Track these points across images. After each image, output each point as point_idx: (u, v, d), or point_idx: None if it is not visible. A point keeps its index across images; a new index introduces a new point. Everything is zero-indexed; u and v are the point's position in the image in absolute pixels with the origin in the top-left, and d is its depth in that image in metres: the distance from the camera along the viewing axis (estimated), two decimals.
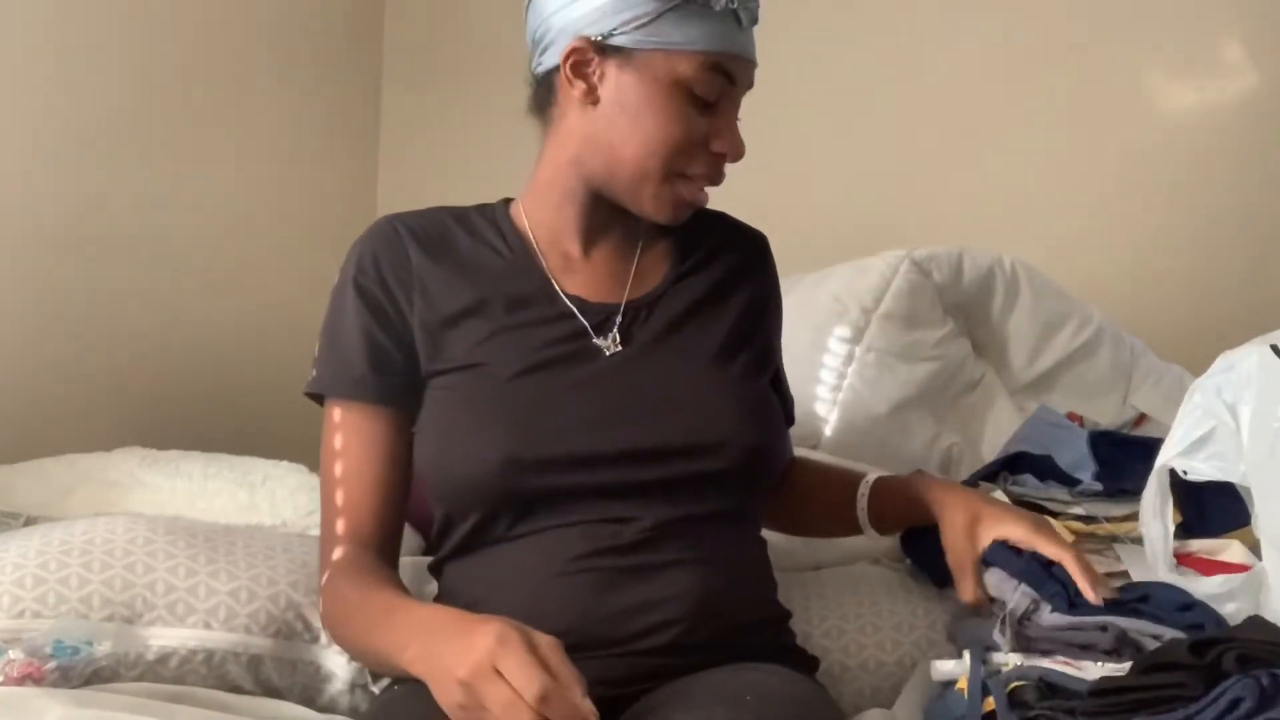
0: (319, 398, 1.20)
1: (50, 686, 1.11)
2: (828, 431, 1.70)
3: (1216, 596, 1.17)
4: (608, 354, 1.16)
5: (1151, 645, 1.10)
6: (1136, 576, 1.25)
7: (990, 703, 1.05)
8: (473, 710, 0.88)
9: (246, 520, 1.51)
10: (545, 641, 0.89)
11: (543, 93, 1.20)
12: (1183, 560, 1.30)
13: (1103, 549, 1.38)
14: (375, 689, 1.25)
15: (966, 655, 1.12)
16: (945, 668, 1.16)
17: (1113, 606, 1.13)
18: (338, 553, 1.15)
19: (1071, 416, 1.69)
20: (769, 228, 1.34)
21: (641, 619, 1.07)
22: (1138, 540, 1.27)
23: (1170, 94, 2.16)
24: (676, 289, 1.22)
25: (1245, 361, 1.18)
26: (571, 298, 1.18)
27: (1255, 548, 1.24)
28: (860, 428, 1.69)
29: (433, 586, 1.25)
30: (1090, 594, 1.11)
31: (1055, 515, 1.40)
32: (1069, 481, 1.44)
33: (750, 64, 1.15)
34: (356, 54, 2.75)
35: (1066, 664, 1.08)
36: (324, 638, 1.25)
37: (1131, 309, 2.04)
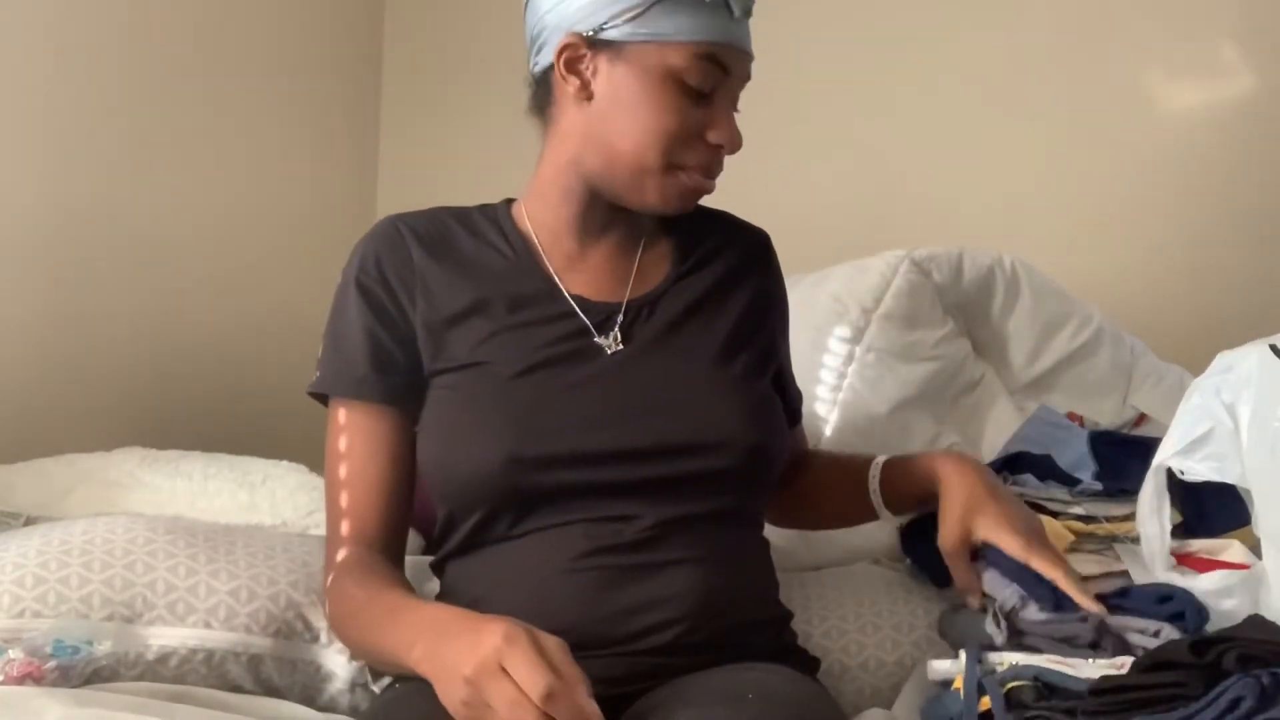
0: (323, 398, 1.20)
1: (50, 686, 1.11)
2: (828, 431, 1.69)
3: (1215, 593, 1.17)
4: (609, 353, 1.16)
5: (1134, 637, 1.11)
6: (1136, 577, 1.25)
7: (986, 702, 1.05)
8: (477, 708, 0.88)
9: (246, 520, 1.51)
10: (552, 642, 0.89)
11: (541, 93, 1.21)
12: (1182, 560, 1.30)
13: (1102, 549, 1.38)
14: (375, 688, 1.25)
15: (962, 655, 1.12)
16: (941, 667, 1.16)
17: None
18: (343, 553, 1.15)
19: (1071, 416, 1.69)
20: (769, 227, 1.34)
21: (643, 618, 1.07)
22: (1138, 540, 1.27)
23: (1170, 94, 2.16)
24: (678, 288, 1.22)
25: (1244, 362, 1.18)
26: (573, 296, 1.18)
27: (1255, 547, 1.24)
28: (860, 428, 1.69)
29: (434, 585, 1.25)
30: (1087, 603, 1.12)
31: (1055, 515, 1.40)
32: (1069, 481, 1.44)
33: (745, 54, 1.15)
34: (356, 55, 2.75)
35: (1060, 663, 1.08)
36: (324, 637, 1.26)
37: (1131, 309, 2.04)
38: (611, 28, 1.11)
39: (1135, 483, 1.26)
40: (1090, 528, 1.38)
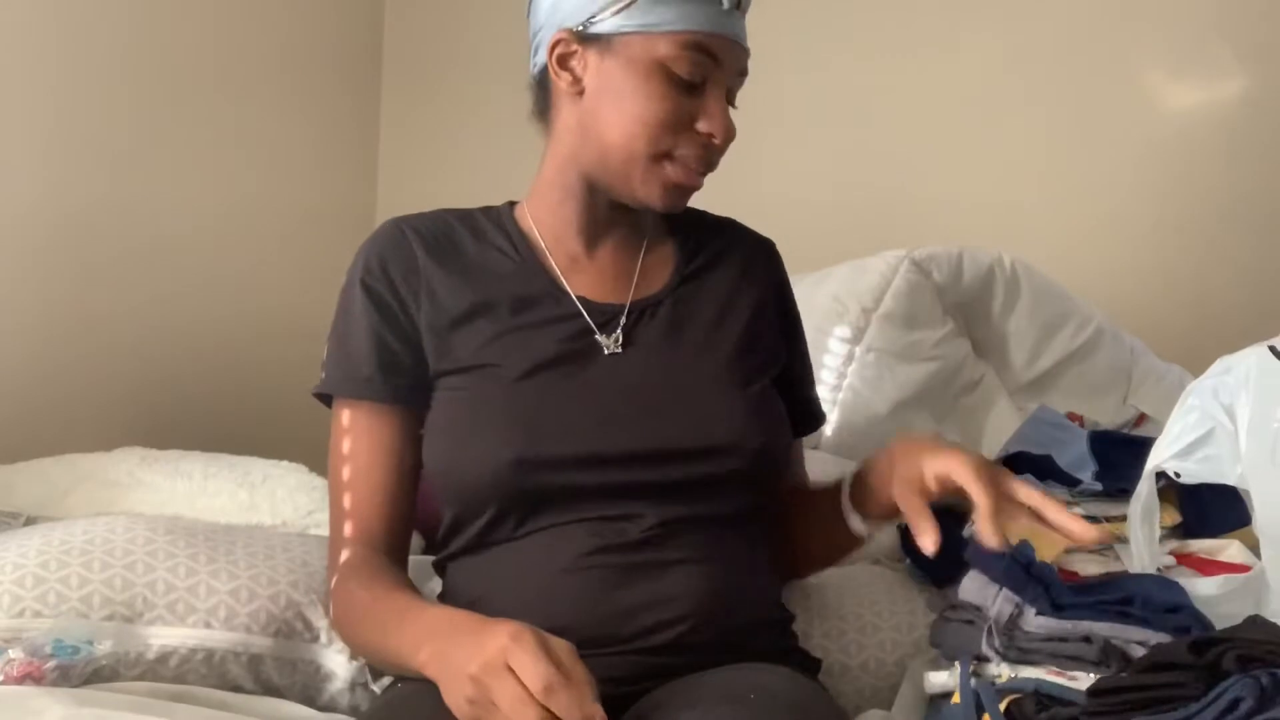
0: (327, 399, 1.20)
1: (50, 686, 1.11)
2: (828, 431, 1.70)
3: (1216, 597, 1.17)
4: (612, 354, 1.16)
5: (1139, 652, 1.10)
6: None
7: (987, 718, 1.05)
8: (481, 706, 0.88)
9: (246, 520, 1.51)
10: (560, 644, 0.89)
11: (540, 95, 1.21)
12: (1182, 560, 1.30)
13: (1102, 549, 1.38)
14: (376, 688, 1.25)
15: (957, 666, 1.12)
16: (938, 679, 1.15)
17: (1097, 609, 1.12)
18: (346, 554, 1.15)
19: (1071, 416, 1.69)
20: (769, 228, 1.34)
21: (645, 617, 1.08)
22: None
23: (1170, 94, 2.16)
24: (681, 291, 1.22)
25: (1243, 363, 1.19)
26: (577, 298, 1.18)
27: (1255, 548, 1.24)
28: (860, 428, 1.69)
29: (435, 584, 1.25)
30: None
31: None
32: (1069, 481, 1.44)
33: (735, 44, 1.14)
34: (356, 57, 2.75)
35: (1060, 674, 1.08)
36: (324, 637, 1.26)
37: (1131, 309, 2.04)
38: (599, 21, 1.11)
39: (1135, 483, 1.26)
40: None
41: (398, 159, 2.76)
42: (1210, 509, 1.33)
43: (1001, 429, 1.74)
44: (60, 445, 1.71)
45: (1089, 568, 1.32)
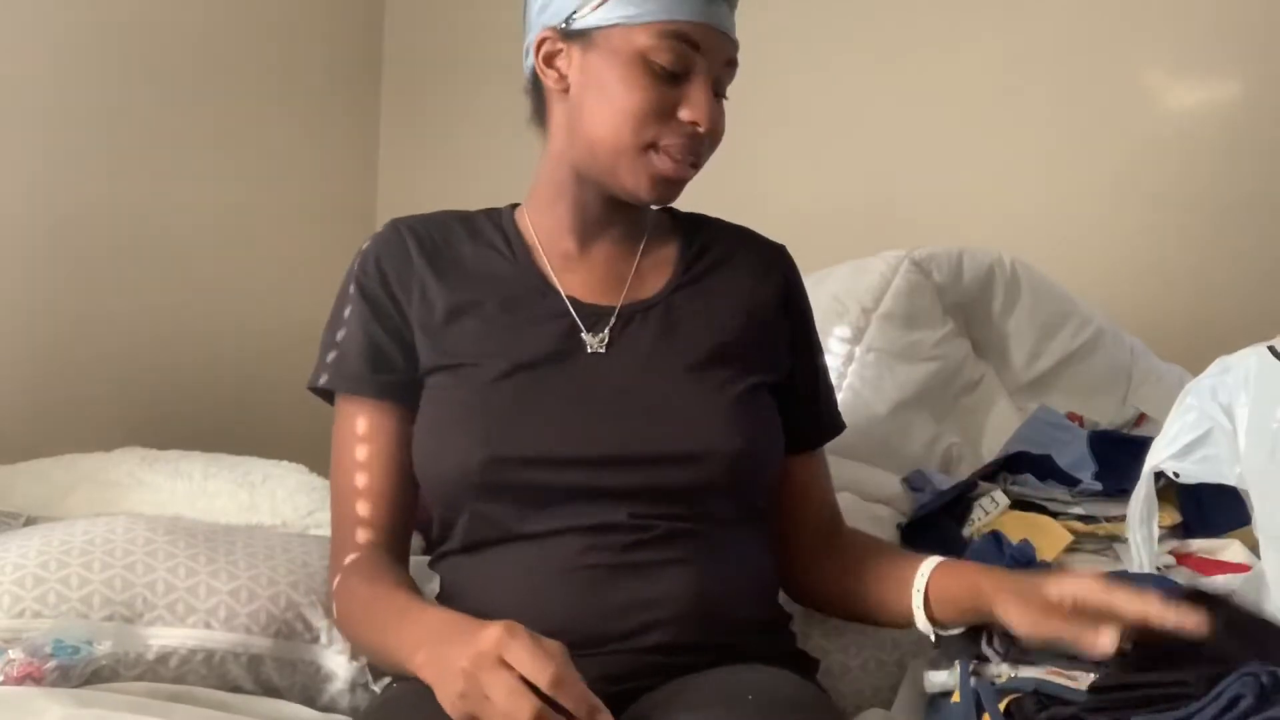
0: (328, 396, 1.21)
1: (50, 686, 1.11)
2: None
3: None
4: (596, 355, 1.16)
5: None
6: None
7: (987, 718, 1.05)
8: (473, 700, 0.88)
9: (246, 520, 1.51)
10: (552, 643, 0.90)
11: (535, 97, 1.22)
12: (1182, 560, 1.30)
13: (1102, 549, 1.38)
14: (376, 688, 1.25)
15: (957, 666, 1.12)
16: (938, 679, 1.15)
17: None
18: (348, 550, 1.16)
19: (1071, 416, 1.69)
20: (769, 228, 1.34)
21: (637, 616, 1.08)
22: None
23: (1170, 94, 2.16)
24: (678, 294, 1.21)
25: (1242, 363, 1.18)
26: (568, 297, 1.18)
27: (1255, 548, 1.24)
28: (860, 428, 1.68)
29: (435, 585, 1.25)
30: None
31: (1055, 515, 1.40)
32: (1069, 481, 1.44)
33: (718, 33, 1.13)
34: (356, 58, 2.75)
35: (1060, 674, 1.08)
36: (324, 637, 1.26)
37: (1131, 309, 2.04)
38: (581, 17, 1.12)
39: (1135, 483, 1.26)
40: (1090, 528, 1.38)
41: (398, 159, 2.76)
42: (1210, 509, 1.33)
43: (1001, 429, 1.74)
44: (60, 445, 1.71)
45: (1088, 567, 1.32)
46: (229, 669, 1.21)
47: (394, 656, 1.03)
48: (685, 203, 1.23)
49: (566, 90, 1.15)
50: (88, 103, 2.05)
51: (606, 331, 1.17)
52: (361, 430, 1.17)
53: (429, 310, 1.17)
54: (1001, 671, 1.10)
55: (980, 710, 1.07)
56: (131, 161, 2.13)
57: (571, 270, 1.21)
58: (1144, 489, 1.22)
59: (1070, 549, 1.36)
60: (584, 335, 1.16)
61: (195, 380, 2.21)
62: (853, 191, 2.33)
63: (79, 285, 2.03)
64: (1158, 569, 1.25)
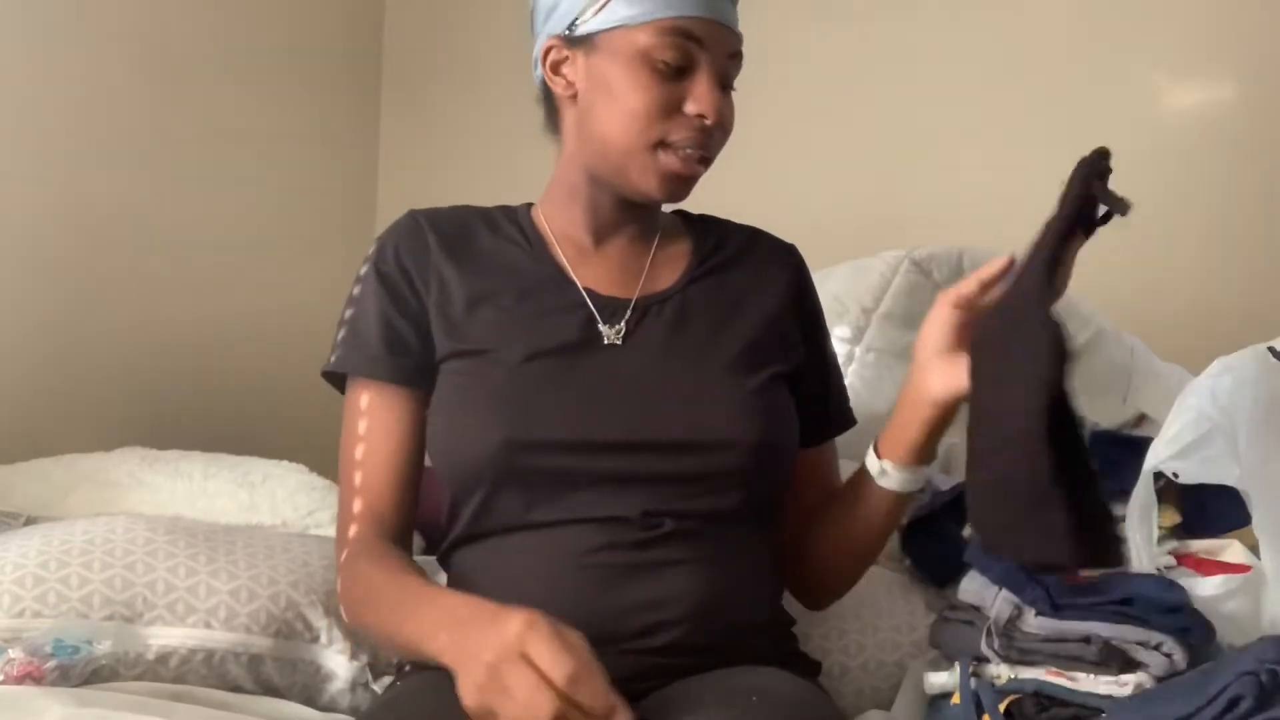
0: (339, 383, 1.21)
1: (50, 686, 1.11)
2: None
3: (1216, 597, 1.17)
4: (613, 347, 1.16)
5: (1139, 652, 1.09)
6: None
7: (987, 719, 1.05)
8: (492, 694, 0.88)
9: (246, 520, 1.51)
10: (573, 634, 0.89)
11: (547, 106, 1.24)
12: (1183, 560, 1.30)
13: None
14: (376, 688, 1.25)
15: (957, 667, 1.12)
16: (938, 680, 1.15)
17: (1096, 610, 1.11)
18: (355, 530, 1.15)
19: None
20: (769, 227, 1.34)
21: (643, 617, 1.08)
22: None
23: (1171, 94, 2.16)
24: (692, 288, 1.22)
25: (1242, 364, 1.18)
26: (584, 289, 1.19)
27: (1255, 548, 1.24)
28: (860, 428, 1.68)
29: (440, 579, 1.25)
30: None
31: None
32: None
33: (719, 26, 1.14)
34: (357, 58, 2.75)
35: (1061, 675, 1.08)
36: (324, 637, 1.26)
37: (1131, 309, 2.04)
38: (583, 23, 1.14)
39: (1135, 483, 1.26)
40: None
41: (398, 159, 2.77)
42: (1210, 509, 1.33)
43: None
44: (60, 445, 1.71)
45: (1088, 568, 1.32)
46: (229, 669, 1.21)
47: (409, 640, 1.02)
48: (687, 202, 1.24)
49: (575, 96, 1.17)
50: (89, 104, 2.05)
51: (623, 324, 1.18)
52: (374, 412, 1.17)
53: (447, 298, 1.18)
54: (1001, 672, 1.10)
55: (980, 711, 1.07)
56: (132, 164, 2.14)
57: (588, 264, 1.22)
58: (1144, 489, 1.22)
59: None
60: (601, 327, 1.17)
61: (195, 380, 2.22)
62: (853, 191, 2.33)
63: (79, 286, 2.04)
64: (1158, 569, 1.25)
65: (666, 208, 1.26)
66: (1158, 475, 1.24)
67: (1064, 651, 1.10)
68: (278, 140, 2.48)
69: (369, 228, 2.68)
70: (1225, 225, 2.09)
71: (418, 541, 1.43)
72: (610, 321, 1.18)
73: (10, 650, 1.12)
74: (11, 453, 1.71)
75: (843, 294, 1.76)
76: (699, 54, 1.13)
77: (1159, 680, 1.09)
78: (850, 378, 1.71)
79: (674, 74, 1.12)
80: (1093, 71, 2.17)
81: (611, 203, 1.21)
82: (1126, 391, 1.84)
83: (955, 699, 1.10)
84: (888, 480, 1.16)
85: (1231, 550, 1.28)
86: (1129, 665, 1.10)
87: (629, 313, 1.19)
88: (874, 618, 1.38)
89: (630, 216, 1.23)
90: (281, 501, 1.54)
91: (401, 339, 1.18)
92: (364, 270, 1.21)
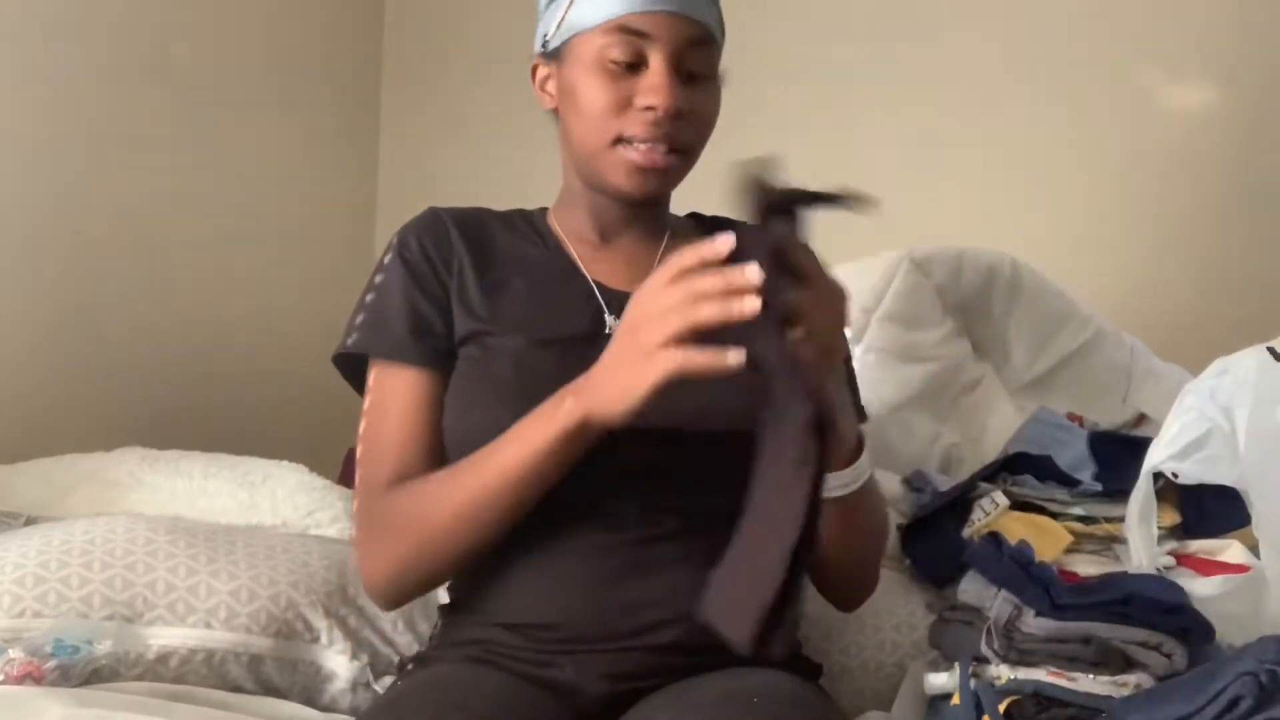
0: (348, 370, 1.22)
1: (50, 685, 1.11)
2: None
3: (1216, 597, 1.17)
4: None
5: (1139, 652, 1.09)
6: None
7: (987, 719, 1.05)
8: (674, 320, 0.94)
9: (246, 520, 1.51)
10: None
11: (553, 121, 1.25)
12: (1183, 560, 1.30)
13: (1102, 550, 1.38)
14: (377, 687, 1.25)
15: (956, 668, 1.12)
16: (937, 681, 1.15)
17: (1096, 610, 1.12)
18: (382, 481, 1.14)
19: (1071, 417, 1.69)
20: None
21: (643, 615, 1.08)
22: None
23: (1171, 94, 2.16)
24: None
25: (1241, 365, 1.19)
26: (595, 282, 1.21)
27: (1255, 548, 1.24)
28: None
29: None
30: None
31: (1055, 516, 1.40)
32: (1069, 482, 1.44)
33: (668, 16, 1.14)
34: (357, 58, 2.75)
35: (1060, 675, 1.08)
36: (324, 637, 1.26)
37: (1131, 309, 2.04)
38: (552, 38, 1.18)
39: (1134, 483, 1.26)
40: (1089, 528, 1.38)
41: (398, 159, 2.76)
42: (1210, 509, 1.33)
43: (1001, 429, 1.74)
44: (60, 445, 1.71)
45: (1088, 568, 1.32)
46: (229, 669, 1.22)
47: (511, 463, 1.04)
48: (686, 202, 1.24)
49: (555, 108, 1.21)
50: (88, 103, 2.05)
51: None
52: (400, 393, 1.18)
53: (464, 285, 1.20)
54: (1001, 673, 1.10)
55: (980, 712, 1.07)
56: (131, 163, 2.13)
57: (599, 259, 1.24)
58: (1143, 489, 1.22)
59: (1070, 549, 1.35)
60: (609, 319, 1.19)
61: (195, 380, 2.22)
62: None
63: (79, 285, 2.03)
64: (1157, 569, 1.25)
65: (675, 208, 1.27)
66: (1157, 475, 1.24)
67: (1064, 652, 1.10)
68: (278, 140, 2.48)
69: (369, 228, 2.68)
70: (1225, 225, 2.09)
71: None
72: (618, 314, 1.18)
73: (10, 650, 1.12)
74: (11, 453, 1.71)
75: None
76: (648, 47, 1.14)
77: (1159, 680, 1.09)
78: None
79: (626, 71, 1.14)
80: (1093, 72, 2.17)
81: (609, 204, 1.22)
82: (1126, 392, 1.84)
83: (955, 700, 1.10)
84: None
85: (1231, 550, 1.28)
86: (1129, 665, 1.10)
87: None
88: (874, 618, 1.38)
89: (632, 216, 1.24)
90: (281, 501, 1.54)
91: (427, 322, 1.19)
92: (387, 258, 1.22)
